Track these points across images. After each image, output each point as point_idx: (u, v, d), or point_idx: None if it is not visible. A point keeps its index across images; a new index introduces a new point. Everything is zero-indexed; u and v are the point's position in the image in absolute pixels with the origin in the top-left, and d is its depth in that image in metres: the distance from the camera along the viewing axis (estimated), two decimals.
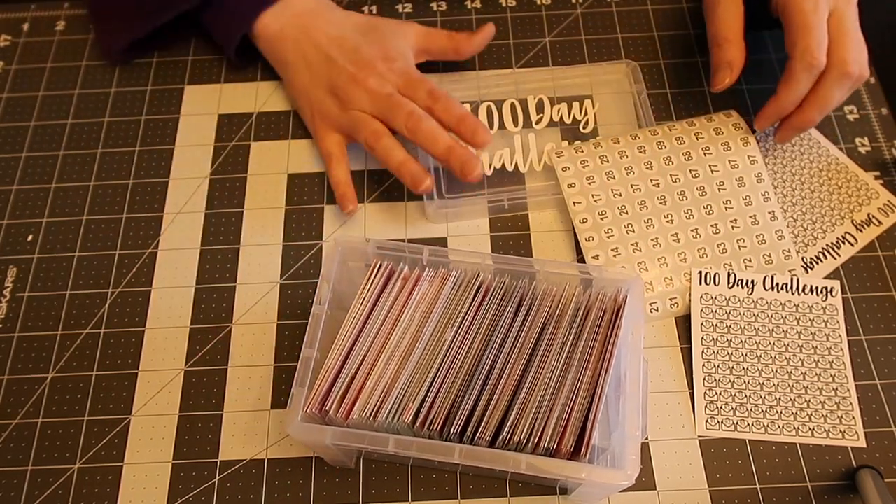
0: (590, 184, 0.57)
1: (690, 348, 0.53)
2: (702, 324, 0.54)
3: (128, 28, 0.63)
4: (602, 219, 0.56)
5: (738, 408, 0.51)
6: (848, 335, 0.53)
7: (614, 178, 0.57)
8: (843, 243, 0.56)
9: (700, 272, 0.55)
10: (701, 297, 0.54)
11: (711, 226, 0.56)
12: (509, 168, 0.60)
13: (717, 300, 0.54)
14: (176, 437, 0.51)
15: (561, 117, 0.62)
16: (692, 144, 0.58)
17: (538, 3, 0.69)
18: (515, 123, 0.62)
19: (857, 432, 0.50)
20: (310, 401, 0.43)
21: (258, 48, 0.63)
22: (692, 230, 0.56)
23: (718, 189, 0.57)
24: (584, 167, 0.58)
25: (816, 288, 0.54)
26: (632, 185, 0.57)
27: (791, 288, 0.54)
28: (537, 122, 0.62)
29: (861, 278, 0.56)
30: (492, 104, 0.62)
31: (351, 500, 0.49)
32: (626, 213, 0.56)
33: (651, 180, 0.57)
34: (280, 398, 0.52)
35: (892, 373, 0.52)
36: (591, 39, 0.67)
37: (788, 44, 0.53)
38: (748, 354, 0.53)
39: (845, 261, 0.56)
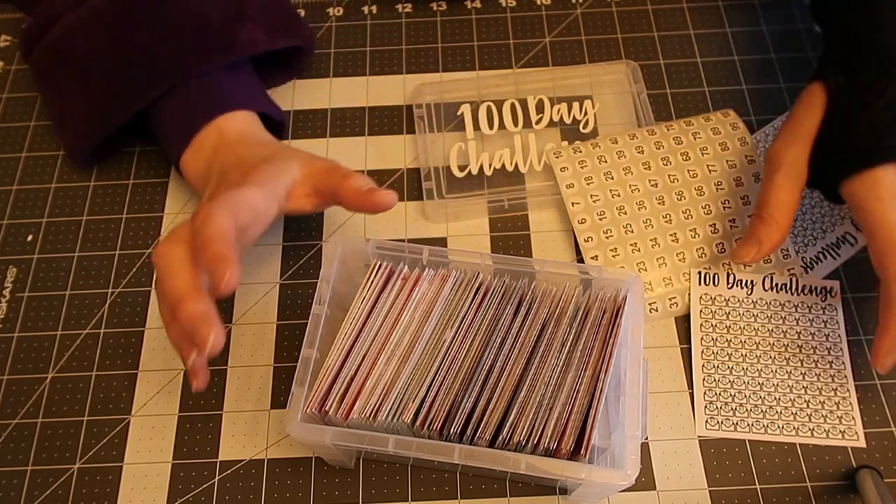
0: (588, 184, 0.57)
1: (690, 348, 0.53)
2: (701, 324, 0.54)
3: (83, 136, 0.58)
4: (601, 219, 0.56)
5: (737, 408, 0.51)
6: (848, 335, 0.53)
7: (612, 178, 0.57)
8: (843, 243, 0.56)
9: (700, 272, 0.55)
10: (700, 297, 0.54)
11: (710, 225, 0.56)
12: (509, 168, 0.60)
13: (717, 300, 0.54)
14: (176, 438, 0.51)
15: (561, 117, 0.62)
16: (690, 144, 0.58)
17: (538, 3, 0.69)
18: (515, 123, 0.62)
19: (856, 432, 0.50)
20: (309, 401, 0.43)
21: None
22: (690, 230, 0.56)
23: (716, 189, 0.57)
24: (582, 168, 0.58)
25: (816, 288, 0.54)
26: (630, 186, 0.57)
27: (791, 288, 0.54)
28: (537, 123, 0.62)
29: (861, 278, 0.55)
30: (492, 104, 0.62)
31: (351, 500, 0.49)
32: (625, 213, 0.56)
33: (649, 180, 0.57)
34: (280, 398, 0.52)
35: (892, 373, 0.52)
36: (591, 39, 0.67)
37: (881, 264, 0.45)
38: (748, 354, 0.53)
39: (845, 261, 0.56)
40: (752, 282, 0.55)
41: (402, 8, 0.69)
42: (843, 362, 0.52)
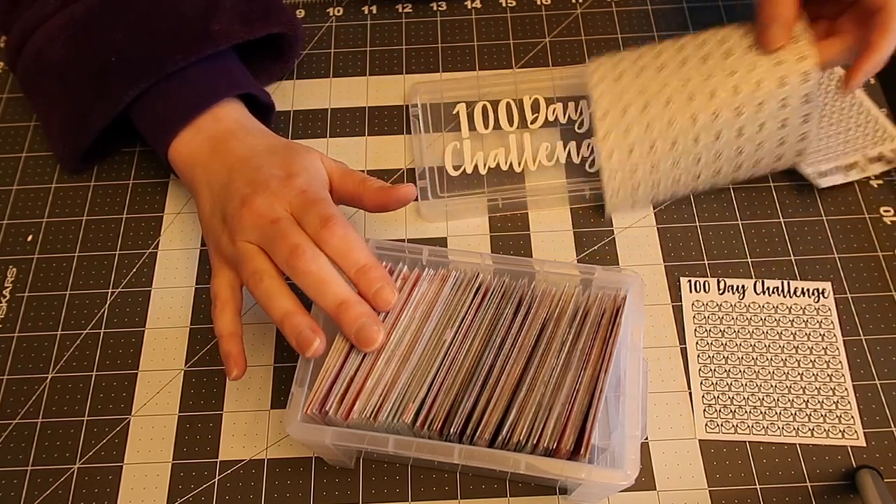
0: (620, 88, 0.55)
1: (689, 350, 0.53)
2: (695, 329, 0.54)
3: (68, 143, 0.58)
4: (623, 117, 0.54)
5: (736, 410, 0.51)
6: (847, 335, 0.53)
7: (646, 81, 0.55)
8: (853, 168, 0.58)
9: (689, 281, 0.55)
10: (692, 304, 0.54)
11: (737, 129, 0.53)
12: (504, 167, 0.60)
13: (709, 306, 0.54)
14: (176, 437, 0.51)
15: (556, 117, 0.62)
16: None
17: (538, 3, 0.69)
18: (511, 123, 0.62)
19: (856, 432, 0.50)
20: (310, 401, 0.43)
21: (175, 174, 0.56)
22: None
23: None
24: (618, 75, 0.56)
25: (808, 290, 0.55)
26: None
27: (782, 291, 0.55)
28: (532, 122, 0.62)
29: (860, 278, 0.56)
30: (487, 104, 0.62)
31: (351, 500, 0.49)
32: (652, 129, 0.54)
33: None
34: (280, 398, 0.52)
35: (891, 373, 0.52)
36: (590, 39, 0.67)
37: None
38: (744, 358, 0.53)
39: (855, 180, 0.58)
40: (742, 287, 0.55)
41: (402, 8, 0.69)
42: (840, 362, 0.52)
